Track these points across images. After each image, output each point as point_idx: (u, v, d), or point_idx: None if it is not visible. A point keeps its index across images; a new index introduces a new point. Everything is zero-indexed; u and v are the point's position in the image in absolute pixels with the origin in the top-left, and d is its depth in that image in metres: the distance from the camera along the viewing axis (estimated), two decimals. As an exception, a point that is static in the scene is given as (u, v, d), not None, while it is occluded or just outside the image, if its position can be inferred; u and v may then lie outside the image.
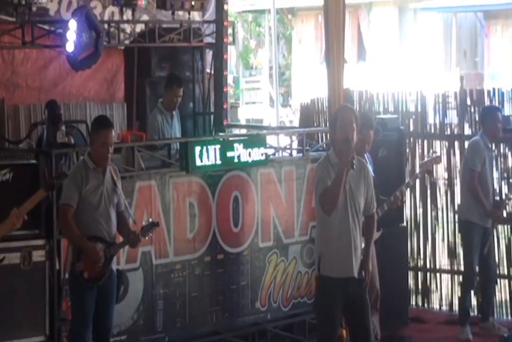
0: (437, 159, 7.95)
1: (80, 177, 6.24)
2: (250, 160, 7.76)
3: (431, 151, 8.78)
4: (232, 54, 21.00)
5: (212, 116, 10.06)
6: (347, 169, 6.06)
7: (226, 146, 7.65)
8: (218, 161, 7.57)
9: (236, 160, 7.67)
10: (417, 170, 8.65)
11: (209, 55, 10.47)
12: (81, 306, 6.24)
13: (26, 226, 5.98)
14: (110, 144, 6.32)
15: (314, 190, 6.29)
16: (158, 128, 8.56)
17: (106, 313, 6.35)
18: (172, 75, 9.08)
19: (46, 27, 8.76)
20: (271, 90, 22.37)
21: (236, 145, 7.70)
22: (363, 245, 6.31)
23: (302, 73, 22.79)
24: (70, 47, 8.30)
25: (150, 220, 6.60)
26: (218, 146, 7.58)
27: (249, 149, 7.75)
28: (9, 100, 10.50)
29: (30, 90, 10.81)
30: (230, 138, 8.20)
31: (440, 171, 9.25)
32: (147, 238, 6.53)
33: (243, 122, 18.43)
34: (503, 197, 8.69)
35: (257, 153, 7.80)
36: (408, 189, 8.41)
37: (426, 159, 8.34)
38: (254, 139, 7.86)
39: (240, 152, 7.70)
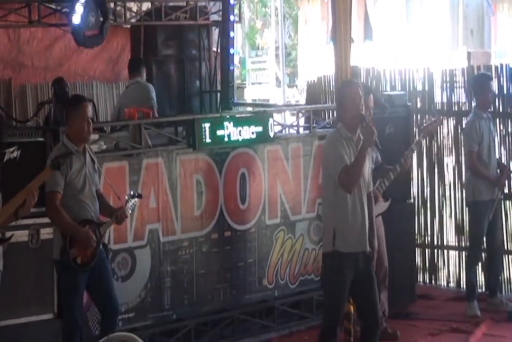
0: (437, 122, 7.84)
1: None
2: (256, 137, 7.74)
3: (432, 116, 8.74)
4: (238, 35, 20.91)
5: (218, 94, 10.04)
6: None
7: (233, 123, 7.62)
8: (225, 139, 7.55)
9: (242, 137, 7.65)
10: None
11: (215, 33, 10.44)
12: (76, 290, 6.22)
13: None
14: (89, 117, 6.27)
15: (326, 165, 6.23)
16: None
17: (109, 292, 6.34)
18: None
19: (53, 6, 8.74)
20: (277, 70, 22.31)
21: (243, 122, 7.68)
22: None
23: (308, 53, 22.71)
24: (76, 19, 8.25)
25: (132, 192, 6.52)
26: (225, 123, 7.57)
27: (256, 126, 7.74)
28: (15, 79, 10.50)
29: (36, 70, 10.81)
30: (237, 115, 8.17)
31: (447, 147, 9.23)
32: (130, 211, 6.44)
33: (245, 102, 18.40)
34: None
35: (263, 131, 7.78)
36: (415, 166, 8.40)
37: (425, 124, 8.26)
38: (261, 116, 7.84)
39: (247, 130, 7.68)
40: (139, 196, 6.50)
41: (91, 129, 6.27)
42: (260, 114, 7.91)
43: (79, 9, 8.27)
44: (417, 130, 8.90)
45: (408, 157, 7.45)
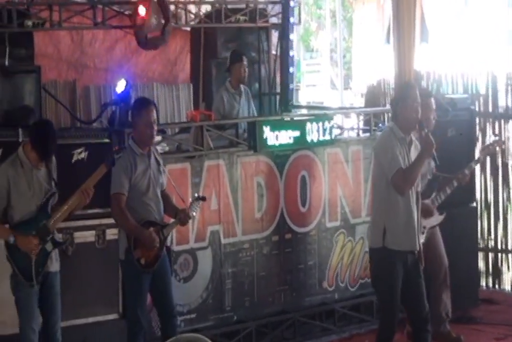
0: (499, 142, 7.83)
1: (129, 164, 6.20)
2: (317, 140, 7.73)
3: (493, 135, 8.68)
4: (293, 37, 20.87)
5: (277, 97, 10.05)
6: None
7: (293, 126, 7.63)
8: (286, 141, 7.56)
9: (303, 140, 7.65)
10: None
11: (274, 36, 10.44)
12: (140, 291, 6.27)
13: (99, 204, 6.08)
14: (153, 122, 6.29)
15: (380, 164, 6.24)
16: (223, 107, 8.61)
17: (167, 293, 6.38)
18: (234, 52, 9.14)
19: (116, 8, 8.83)
20: (331, 72, 22.24)
21: (304, 125, 7.68)
22: None
23: (363, 56, 22.59)
24: (142, 10, 8.29)
25: (196, 194, 6.57)
26: (285, 126, 7.58)
27: (316, 129, 7.73)
28: (78, 80, 10.63)
29: (98, 71, 10.92)
30: (298, 118, 8.18)
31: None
32: (195, 213, 6.48)
33: (303, 104, 18.37)
34: None
35: (324, 133, 7.77)
36: (479, 169, 8.31)
37: (487, 143, 8.23)
38: (321, 119, 7.83)
39: (307, 132, 7.68)
40: (203, 199, 6.54)
41: (154, 133, 6.31)
42: (321, 117, 7.90)
43: (142, 11, 8.34)
44: (480, 134, 8.82)
45: (466, 174, 7.41)
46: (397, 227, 6.17)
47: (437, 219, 7.34)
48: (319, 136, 7.74)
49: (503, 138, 8.80)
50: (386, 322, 6.32)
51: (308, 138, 7.69)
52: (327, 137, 7.80)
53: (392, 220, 6.18)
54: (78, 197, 5.86)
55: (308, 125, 7.70)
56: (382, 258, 6.21)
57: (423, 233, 7.11)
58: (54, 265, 5.98)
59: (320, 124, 7.76)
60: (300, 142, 7.65)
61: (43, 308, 5.92)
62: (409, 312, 6.36)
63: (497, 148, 7.96)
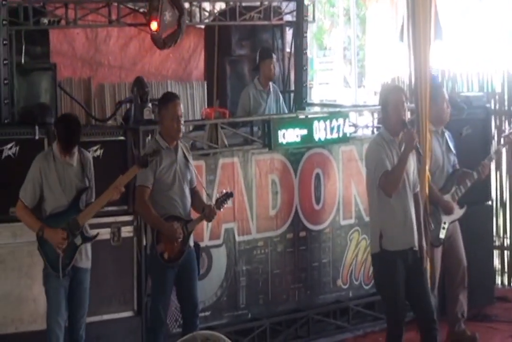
0: None
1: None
2: (331, 137, 7.73)
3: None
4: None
5: (291, 95, 10.04)
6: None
7: (308, 124, 7.64)
8: (301, 139, 7.56)
9: (318, 137, 7.66)
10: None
11: (288, 34, 10.42)
12: (163, 286, 6.29)
13: (115, 202, 6.11)
14: (180, 116, 6.33)
15: (368, 170, 6.34)
16: (249, 104, 8.63)
17: (190, 289, 6.38)
18: (263, 49, 9.17)
19: (131, 6, 8.84)
20: (344, 70, 22.20)
21: (318, 122, 7.68)
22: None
23: (377, 54, 22.54)
24: (154, 26, 8.36)
25: (224, 191, 6.58)
26: (300, 124, 7.58)
27: (331, 127, 7.73)
28: (93, 78, 10.65)
29: (112, 69, 10.94)
30: (312, 116, 8.17)
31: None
32: (222, 209, 6.50)
33: (316, 102, 18.34)
34: None
35: (338, 131, 7.77)
36: (494, 168, 8.29)
37: (508, 132, 8.16)
38: (336, 117, 7.82)
39: (322, 130, 7.68)
40: (231, 195, 6.54)
41: (181, 127, 6.35)
42: (336, 115, 7.89)
43: (153, 26, 8.32)
44: (496, 132, 8.79)
45: (486, 166, 7.38)
46: (391, 228, 6.22)
47: (457, 213, 7.31)
48: (333, 134, 7.74)
49: None
50: (393, 324, 6.34)
51: (323, 136, 7.68)
52: (342, 135, 7.79)
53: (387, 222, 6.24)
54: (110, 193, 5.91)
55: (323, 123, 7.69)
56: (382, 262, 6.27)
57: (443, 228, 7.11)
58: (85, 262, 6.06)
59: (335, 122, 7.75)
60: (315, 140, 7.65)
61: (71, 302, 6.01)
62: (415, 311, 6.40)
63: None
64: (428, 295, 6.32)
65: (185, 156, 6.44)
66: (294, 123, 7.59)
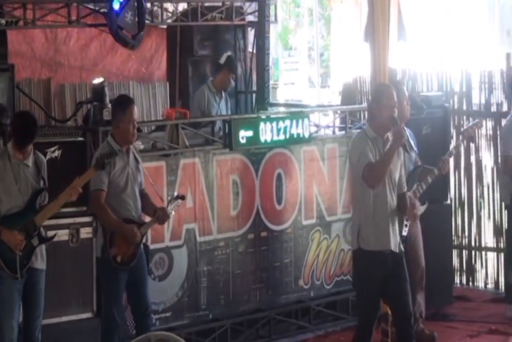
0: (478, 125, 7.78)
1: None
2: (293, 137, 7.73)
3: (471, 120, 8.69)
4: (271, 35, 20.87)
5: (253, 95, 10.05)
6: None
7: (269, 124, 7.63)
8: (261, 139, 7.57)
9: (279, 138, 7.66)
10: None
11: (251, 34, 10.43)
12: (116, 289, 6.27)
13: (73, 203, 6.08)
14: (136, 120, 6.34)
15: (352, 164, 6.34)
16: (204, 104, 8.62)
17: (141, 289, 6.38)
18: (231, 59, 9.17)
19: (91, 6, 8.79)
20: (309, 71, 22.26)
21: (279, 123, 7.69)
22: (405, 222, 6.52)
23: (341, 54, 22.62)
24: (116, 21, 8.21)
25: (175, 193, 6.57)
26: (261, 124, 7.58)
27: (292, 127, 7.74)
28: (53, 79, 10.57)
29: (73, 69, 10.87)
30: (273, 116, 8.18)
31: (485, 148, 9.16)
32: (173, 212, 6.48)
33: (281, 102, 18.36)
34: None
35: (300, 131, 7.78)
36: (452, 167, 8.34)
37: (466, 126, 8.21)
38: (297, 117, 7.84)
39: (282, 130, 7.68)
40: (182, 198, 6.53)
41: (135, 131, 6.33)
42: (296, 115, 7.91)
43: (115, 5, 8.18)
44: (454, 131, 8.84)
45: (447, 161, 7.42)
46: (369, 227, 6.22)
47: (419, 209, 7.35)
48: (294, 134, 7.75)
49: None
50: (363, 321, 6.37)
51: (284, 136, 7.69)
52: (303, 135, 7.81)
53: (364, 220, 6.24)
54: (68, 195, 5.88)
55: (284, 123, 7.70)
56: (359, 259, 6.30)
57: (405, 225, 7.13)
58: (40, 263, 6.01)
59: (296, 122, 7.76)
60: (276, 140, 7.66)
61: (26, 304, 5.96)
62: (393, 312, 6.42)
63: (476, 130, 7.99)
64: (408, 298, 6.31)
65: (135, 158, 6.42)
66: (255, 123, 7.58)
